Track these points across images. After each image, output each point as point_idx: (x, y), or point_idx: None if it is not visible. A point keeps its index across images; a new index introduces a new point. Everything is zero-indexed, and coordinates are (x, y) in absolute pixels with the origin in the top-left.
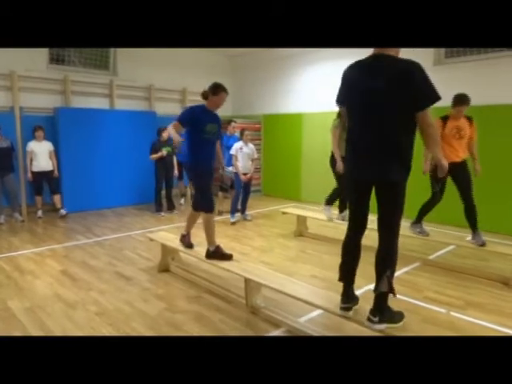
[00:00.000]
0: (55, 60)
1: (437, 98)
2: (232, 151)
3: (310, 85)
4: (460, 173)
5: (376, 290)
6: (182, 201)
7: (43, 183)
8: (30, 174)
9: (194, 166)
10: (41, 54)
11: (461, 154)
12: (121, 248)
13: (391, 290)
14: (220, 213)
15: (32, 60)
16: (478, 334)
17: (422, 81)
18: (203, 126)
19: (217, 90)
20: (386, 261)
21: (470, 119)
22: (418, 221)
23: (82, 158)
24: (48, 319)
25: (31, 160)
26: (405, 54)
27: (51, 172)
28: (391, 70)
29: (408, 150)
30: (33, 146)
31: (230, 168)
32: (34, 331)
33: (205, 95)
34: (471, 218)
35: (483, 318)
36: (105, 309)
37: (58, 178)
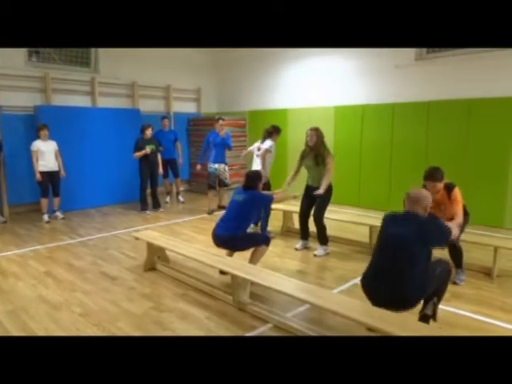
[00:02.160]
0: (34, 57)
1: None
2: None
3: (295, 80)
4: None
5: (421, 311)
6: (168, 199)
7: (49, 184)
8: (38, 175)
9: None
10: (18, 51)
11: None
12: (106, 248)
13: (434, 315)
14: (210, 212)
15: (9, 57)
16: (462, 325)
17: (436, 230)
18: None
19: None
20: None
21: (449, 190)
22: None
23: (64, 157)
24: (31, 321)
25: (37, 160)
26: (389, 50)
27: (57, 172)
28: (414, 223)
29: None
30: (39, 144)
31: (216, 165)
32: (17, 333)
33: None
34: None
35: (467, 308)
36: (90, 309)
37: (64, 178)
